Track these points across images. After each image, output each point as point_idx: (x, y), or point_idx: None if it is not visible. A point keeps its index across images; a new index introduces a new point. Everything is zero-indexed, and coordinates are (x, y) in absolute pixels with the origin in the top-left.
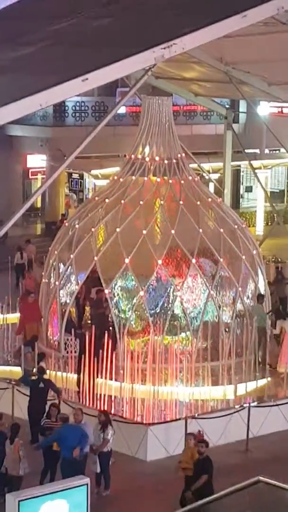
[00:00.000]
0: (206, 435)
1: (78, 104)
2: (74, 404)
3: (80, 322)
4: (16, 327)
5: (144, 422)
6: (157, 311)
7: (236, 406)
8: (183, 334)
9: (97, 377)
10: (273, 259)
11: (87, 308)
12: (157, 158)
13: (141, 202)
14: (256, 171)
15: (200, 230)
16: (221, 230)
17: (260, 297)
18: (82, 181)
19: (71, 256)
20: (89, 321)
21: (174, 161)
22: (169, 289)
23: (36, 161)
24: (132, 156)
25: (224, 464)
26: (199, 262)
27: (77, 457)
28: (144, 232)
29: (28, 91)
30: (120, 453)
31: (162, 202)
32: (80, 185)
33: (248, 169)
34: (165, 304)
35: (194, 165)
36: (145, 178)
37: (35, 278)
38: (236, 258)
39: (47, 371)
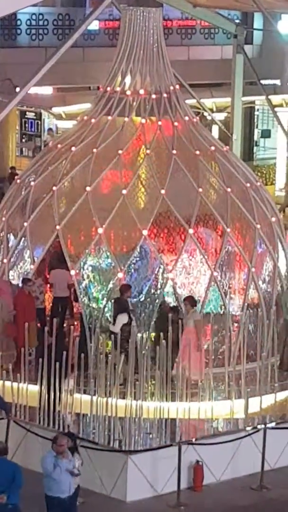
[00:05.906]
0: (207, 467)
1: (34, 17)
2: (29, 425)
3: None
4: None
5: (124, 449)
6: (141, 299)
7: (248, 428)
8: None
9: (60, 388)
10: None
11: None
12: (141, 92)
13: (119, 152)
14: (276, 109)
15: (200, 190)
16: (228, 189)
17: None
18: (39, 122)
19: (25, 224)
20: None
21: (165, 95)
22: (157, 269)
23: None
24: (108, 88)
25: (231, 506)
26: (199, 233)
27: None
28: (124, 192)
29: None
30: (91, 491)
31: (148, 151)
32: (37, 128)
33: (265, 107)
34: (152, 290)
35: (192, 101)
36: (126, 119)
37: None
38: (248, 228)
39: None
